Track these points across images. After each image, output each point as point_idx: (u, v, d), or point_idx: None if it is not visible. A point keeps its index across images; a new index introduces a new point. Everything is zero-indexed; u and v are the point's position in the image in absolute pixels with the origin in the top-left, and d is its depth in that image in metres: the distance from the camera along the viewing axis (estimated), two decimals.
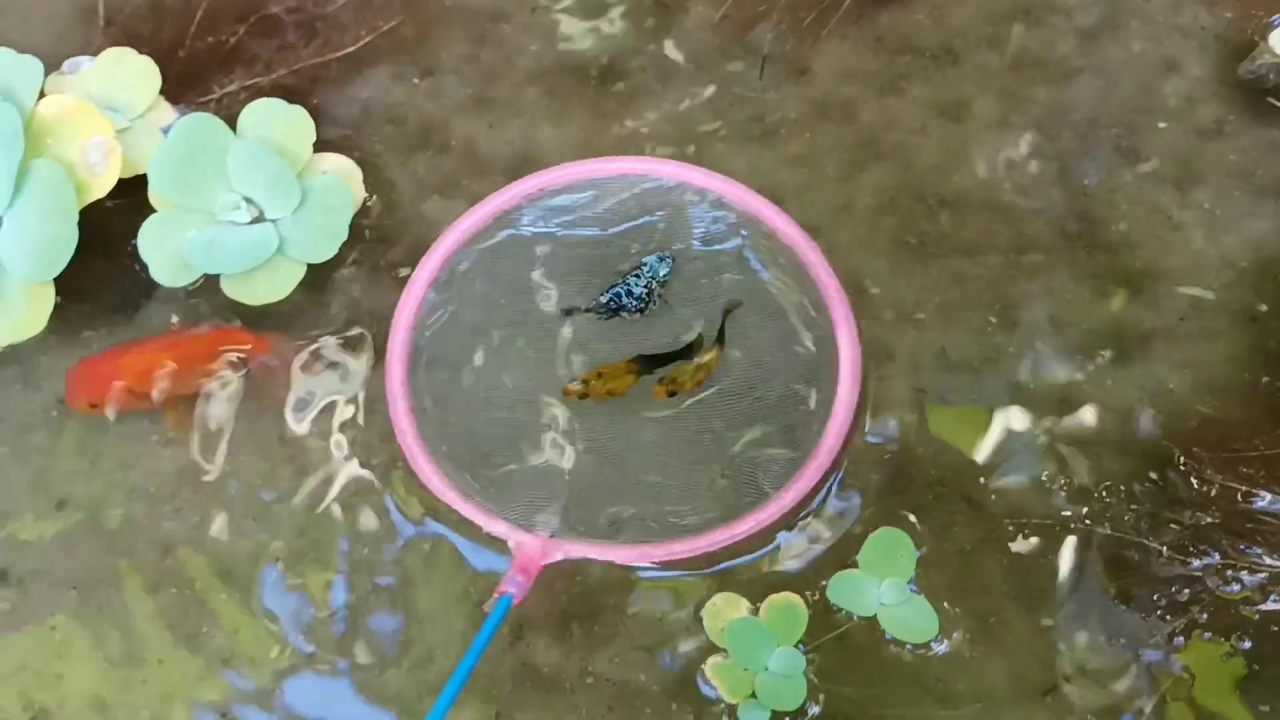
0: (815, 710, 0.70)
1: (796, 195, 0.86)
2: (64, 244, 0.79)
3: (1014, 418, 0.79)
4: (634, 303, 0.79)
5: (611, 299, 0.79)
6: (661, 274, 0.80)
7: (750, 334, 0.79)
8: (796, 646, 0.70)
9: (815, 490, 0.73)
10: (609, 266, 0.82)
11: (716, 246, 0.82)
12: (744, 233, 0.81)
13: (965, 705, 0.71)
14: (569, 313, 0.80)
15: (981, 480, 0.77)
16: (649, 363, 0.78)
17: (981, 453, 0.78)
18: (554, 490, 0.74)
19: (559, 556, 0.70)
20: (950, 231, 0.85)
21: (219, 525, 0.78)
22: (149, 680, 0.74)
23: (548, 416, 0.78)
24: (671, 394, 0.76)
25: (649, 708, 0.71)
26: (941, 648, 0.72)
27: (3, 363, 0.82)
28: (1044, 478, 0.77)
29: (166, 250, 0.81)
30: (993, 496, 0.76)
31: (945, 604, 0.73)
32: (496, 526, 0.71)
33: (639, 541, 0.72)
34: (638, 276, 0.80)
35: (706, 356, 0.78)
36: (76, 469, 0.80)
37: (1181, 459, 0.76)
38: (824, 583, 0.73)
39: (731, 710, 0.70)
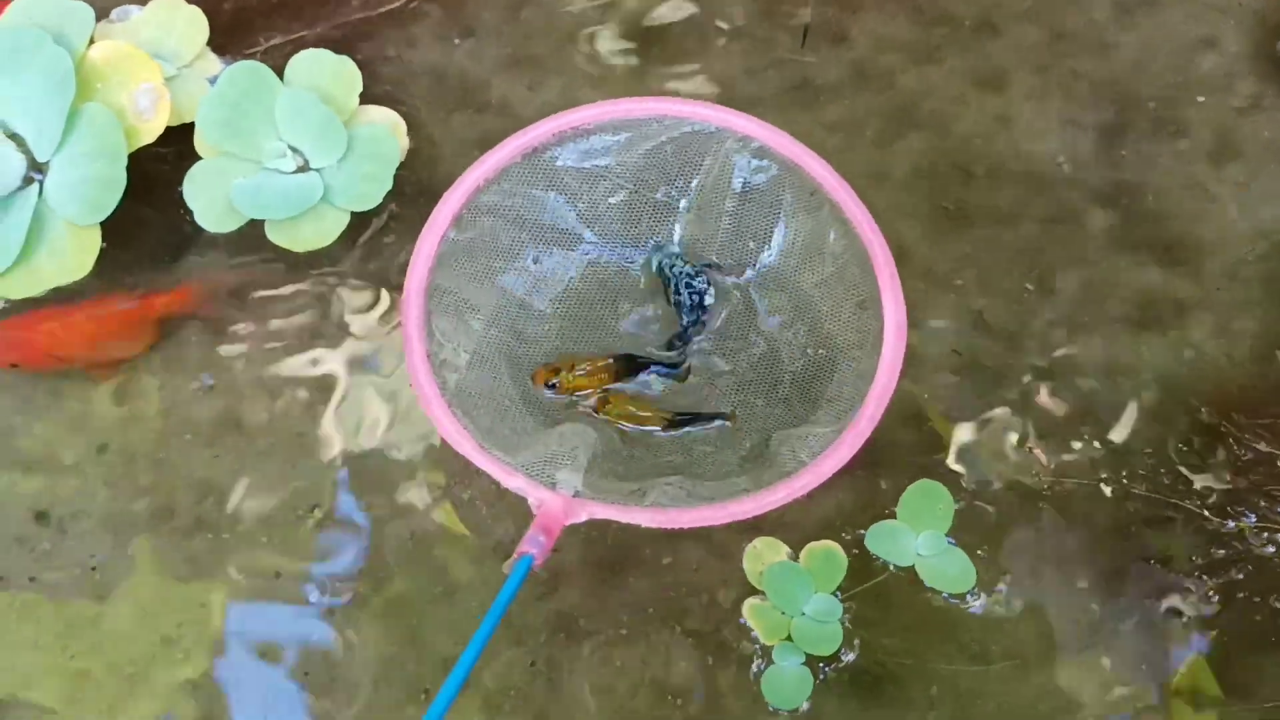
0: (850, 657, 0.70)
1: (834, 159, 0.85)
2: (112, 188, 0.79)
3: (1051, 381, 0.79)
4: (695, 297, 0.79)
5: (689, 325, 0.79)
6: (677, 258, 0.80)
7: (789, 296, 0.78)
8: (834, 593, 0.71)
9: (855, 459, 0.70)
10: (640, 213, 0.80)
11: (753, 198, 0.78)
12: (786, 186, 0.77)
13: (997, 662, 0.71)
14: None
15: (1018, 439, 0.77)
16: (629, 364, 0.77)
17: (1020, 414, 0.78)
18: (578, 447, 0.71)
19: (583, 517, 0.66)
20: (987, 199, 0.86)
21: (258, 472, 0.79)
22: (184, 624, 0.75)
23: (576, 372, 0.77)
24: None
25: (685, 653, 0.72)
26: (977, 601, 0.72)
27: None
28: (1081, 441, 0.77)
29: (212, 196, 0.82)
30: (1033, 457, 0.76)
31: (981, 559, 0.73)
32: (515, 482, 0.67)
33: (666, 505, 0.68)
34: (678, 289, 0.79)
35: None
36: (115, 414, 0.81)
37: (1220, 423, 0.77)
38: (862, 532, 0.73)
39: (766, 652, 0.71)
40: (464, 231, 0.75)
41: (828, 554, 0.71)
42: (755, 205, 0.78)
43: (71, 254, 0.80)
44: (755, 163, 0.77)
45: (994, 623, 0.72)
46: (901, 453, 0.77)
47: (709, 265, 0.80)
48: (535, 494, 0.66)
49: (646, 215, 0.80)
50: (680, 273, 0.79)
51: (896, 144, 0.88)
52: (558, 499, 0.66)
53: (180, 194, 0.83)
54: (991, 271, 0.83)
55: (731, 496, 0.67)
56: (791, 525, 0.74)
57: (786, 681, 0.69)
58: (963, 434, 0.78)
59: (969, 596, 0.72)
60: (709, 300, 0.79)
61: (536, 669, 0.72)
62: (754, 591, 0.72)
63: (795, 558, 0.72)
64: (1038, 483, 0.76)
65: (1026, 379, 0.80)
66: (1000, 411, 0.79)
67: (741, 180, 0.78)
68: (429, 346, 0.70)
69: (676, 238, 0.81)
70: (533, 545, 0.63)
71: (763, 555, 0.72)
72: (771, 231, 0.78)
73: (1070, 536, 0.74)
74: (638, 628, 0.73)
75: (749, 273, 0.80)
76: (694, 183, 0.79)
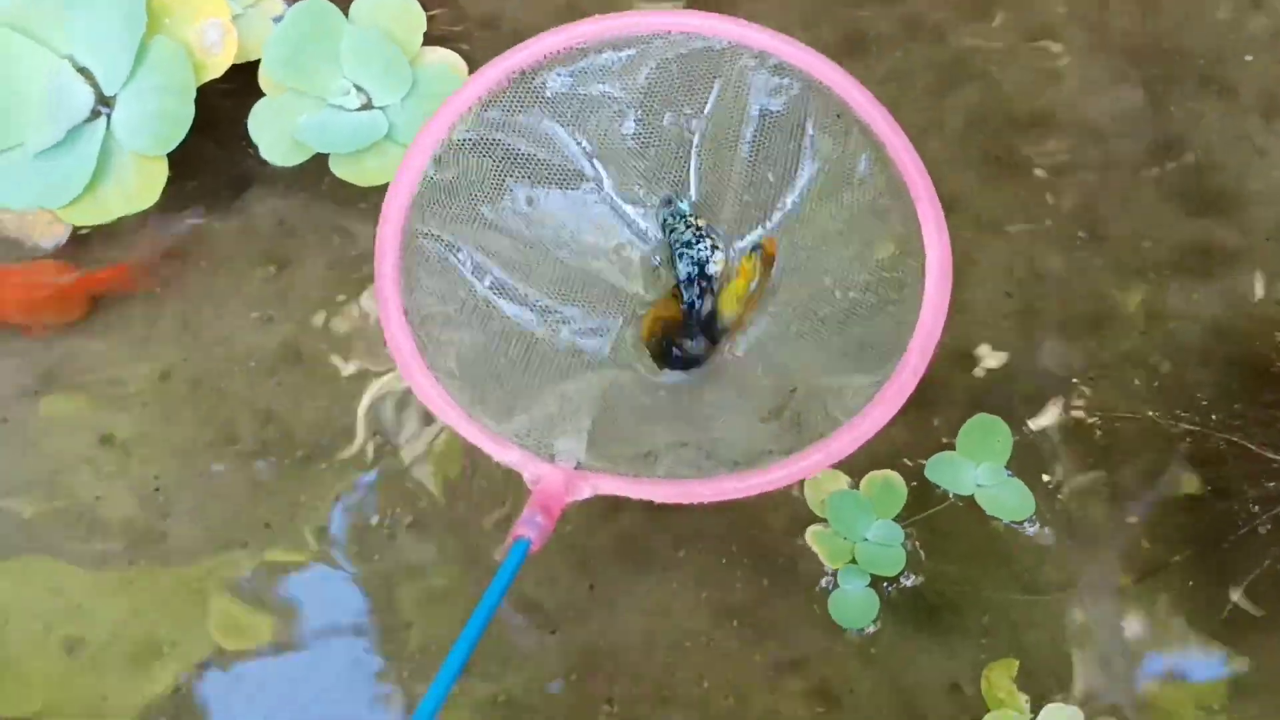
0: (910, 580, 0.71)
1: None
2: (179, 121, 0.81)
3: (1103, 324, 0.80)
4: (695, 268, 0.73)
5: (690, 277, 0.72)
6: (680, 219, 0.74)
7: (814, 231, 0.71)
8: (894, 520, 0.72)
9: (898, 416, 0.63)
10: (648, 144, 0.73)
11: (773, 124, 0.70)
12: (809, 108, 0.70)
13: (1049, 593, 0.72)
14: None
15: (1074, 382, 0.78)
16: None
17: (1075, 351, 0.79)
18: (580, 408, 0.63)
19: (587, 493, 0.58)
20: (1038, 150, 0.87)
21: (317, 401, 0.80)
22: (250, 543, 0.76)
23: (573, 323, 0.71)
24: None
25: (743, 576, 0.73)
26: (1032, 529, 0.73)
27: (106, 239, 0.84)
28: (1134, 380, 0.78)
29: (277, 132, 0.83)
30: (1086, 395, 0.77)
31: (1037, 491, 0.74)
32: (509, 455, 0.58)
33: (684, 477, 0.60)
34: (676, 258, 0.73)
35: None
36: (178, 342, 0.82)
37: (1269, 366, 0.78)
38: (922, 461, 0.74)
39: (817, 578, 0.72)
40: (445, 170, 0.67)
41: (887, 482, 0.72)
42: (775, 133, 0.71)
43: (138, 185, 0.82)
44: (775, 81, 0.70)
45: (1047, 553, 0.73)
46: (954, 391, 0.77)
47: (711, 230, 0.73)
48: (533, 469, 0.58)
49: (655, 146, 0.73)
50: (678, 240, 0.73)
51: (948, 95, 0.89)
52: (558, 473, 0.57)
53: (244, 129, 0.84)
54: (1042, 220, 0.84)
55: (756, 463, 0.60)
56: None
57: (853, 603, 0.70)
58: (1017, 372, 0.79)
59: (1026, 524, 0.73)
60: (713, 269, 0.72)
61: (596, 592, 0.73)
62: (815, 519, 0.73)
63: (855, 485, 0.73)
64: (1092, 419, 0.77)
65: (1079, 323, 0.80)
66: (1053, 350, 0.79)
67: (759, 105, 0.71)
68: (406, 301, 0.62)
69: (693, 169, 0.74)
70: (529, 527, 0.55)
71: (823, 484, 0.72)
72: (795, 163, 0.71)
73: (1123, 472, 0.75)
74: (696, 551, 0.74)
75: (763, 228, 0.73)
76: (706, 108, 0.72)
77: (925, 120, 0.88)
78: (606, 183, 0.74)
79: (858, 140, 0.69)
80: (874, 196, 0.69)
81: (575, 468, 0.58)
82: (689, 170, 0.74)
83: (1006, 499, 0.72)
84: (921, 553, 0.72)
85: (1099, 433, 0.76)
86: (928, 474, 0.73)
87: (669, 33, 0.69)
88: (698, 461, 0.61)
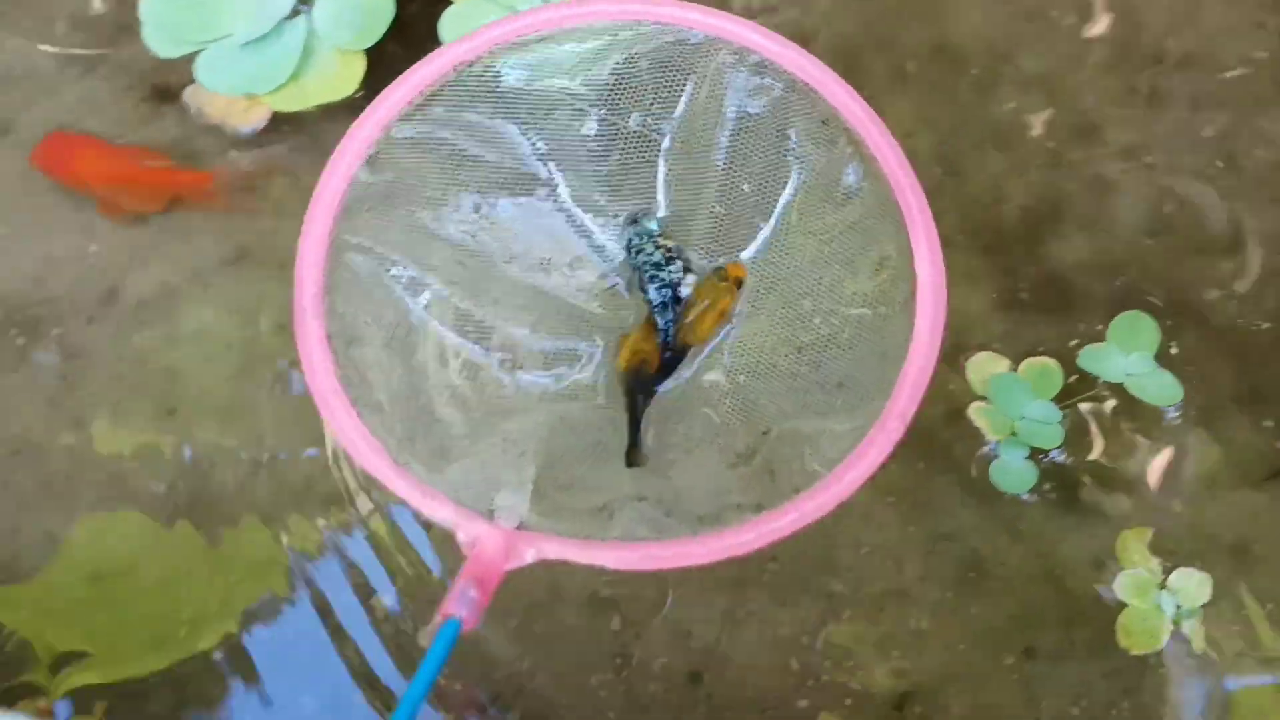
0: (1061, 458, 0.75)
1: (1030, 45, 0.88)
2: (380, 16, 0.84)
3: (1239, 244, 0.81)
4: (666, 291, 0.66)
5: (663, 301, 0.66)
6: (648, 239, 0.67)
7: (796, 257, 0.64)
8: (1051, 401, 0.76)
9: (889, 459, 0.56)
10: (612, 146, 0.66)
11: (751, 129, 0.64)
12: (792, 112, 0.63)
13: (1188, 483, 0.75)
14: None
15: (1219, 292, 0.80)
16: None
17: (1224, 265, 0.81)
18: (525, 453, 0.56)
19: (529, 558, 0.50)
20: (1180, 84, 0.87)
21: None
22: None
23: (521, 347, 0.64)
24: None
25: (902, 460, 0.73)
26: (1174, 414, 0.76)
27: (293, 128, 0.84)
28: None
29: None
30: (1230, 305, 0.79)
31: (1183, 383, 0.76)
32: (440, 512, 0.51)
33: (641, 538, 0.53)
34: (645, 283, 0.66)
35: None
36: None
37: None
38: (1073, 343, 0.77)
39: (971, 457, 0.75)
40: (380, 172, 0.59)
41: (1045, 368, 0.77)
42: (754, 139, 0.65)
43: (338, 76, 0.84)
44: (755, 81, 0.63)
45: (1182, 451, 0.76)
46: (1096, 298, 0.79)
47: (681, 251, 0.66)
48: (468, 529, 0.50)
49: (619, 151, 0.66)
50: (647, 263, 0.66)
51: (1089, 30, 0.89)
52: (497, 535, 0.50)
53: (436, 33, 0.84)
54: (1184, 151, 0.84)
55: (722, 519, 0.53)
56: (1009, 338, 0.78)
57: (1013, 471, 0.75)
58: (1169, 279, 0.80)
59: (1169, 410, 0.76)
60: (685, 291, 0.66)
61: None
62: (973, 399, 0.76)
63: (1014, 369, 0.77)
64: (1239, 324, 0.79)
65: (1219, 238, 0.81)
66: (1199, 267, 0.81)
67: (737, 107, 0.64)
68: (331, 323, 0.55)
69: (660, 177, 0.67)
70: (461, 604, 0.47)
71: (984, 366, 0.77)
72: (774, 173, 0.65)
73: (1262, 372, 0.78)
74: None
75: (738, 249, 0.67)
76: (677, 109, 0.65)
77: (1067, 54, 0.87)
78: (563, 189, 0.67)
79: (845, 151, 0.62)
80: (861, 214, 0.62)
81: (517, 527, 0.51)
82: (656, 178, 0.67)
83: (1155, 388, 0.76)
84: (1072, 436, 0.75)
85: (1246, 334, 0.78)
86: (1080, 363, 0.76)
87: (639, 22, 0.62)
88: (657, 519, 0.54)
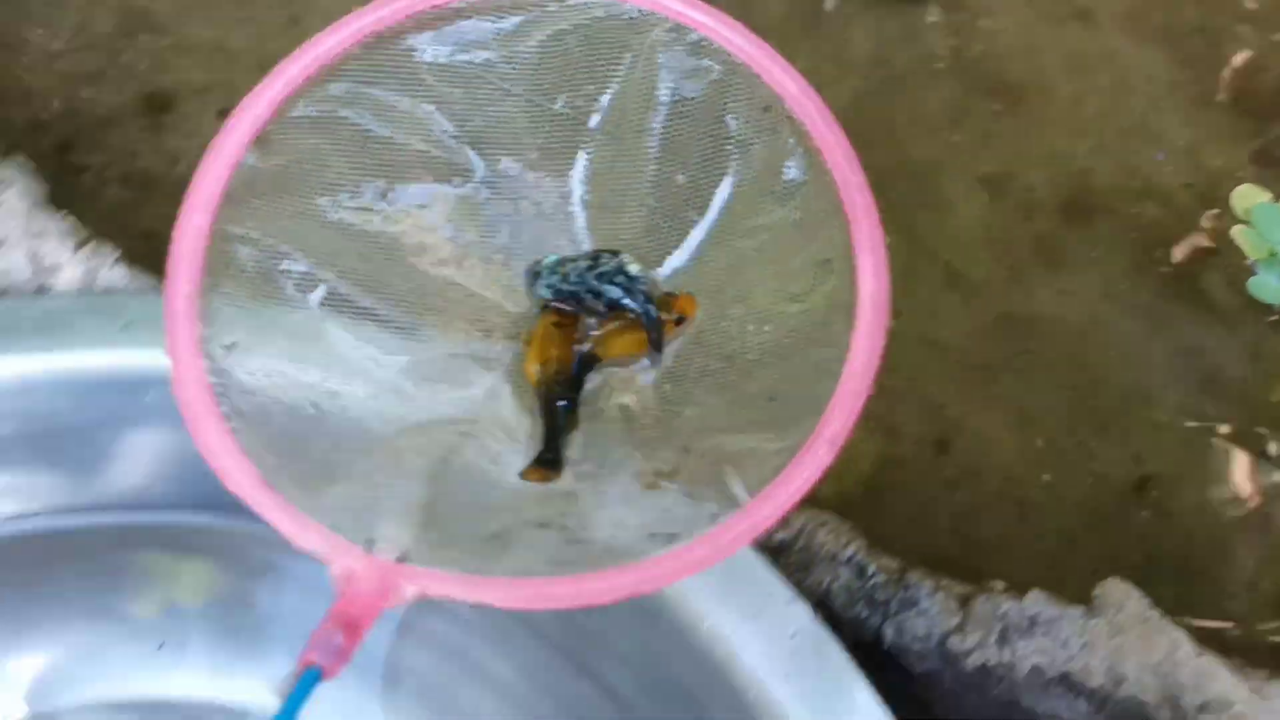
0: None
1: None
2: None
3: None
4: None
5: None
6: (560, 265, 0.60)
7: (725, 249, 0.59)
8: None
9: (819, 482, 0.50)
10: (535, 129, 0.60)
11: (686, 113, 0.59)
12: (730, 97, 0.58)
13: None
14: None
15: None
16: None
17: None
18: (414, 476, 0.51)
19: (409, 596, 0.44)
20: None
21: None
22: None
23: (427, 347, 0.58)
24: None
25: (1150, 283, 0.85)
26: None
27: None
28: None
29: None
30: None
31: None
32: (310, 540, 0.45)
33: (537, 572, 0.46)
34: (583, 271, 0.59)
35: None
36: None
37: None
38: None
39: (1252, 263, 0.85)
40: (272, 156, 0.53)
41: None
42: (689, 126, 0.59)
43: None
44: (692, 62, 0.58)
45: None
46: None
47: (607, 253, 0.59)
48: (341, 562, 0.44)
49: (543, 134, 0.61)
50: (580, 280, 0.58)
51: None
52: (372, 570, 0.44)
53: None
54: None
55: (631, 552, 0.47)
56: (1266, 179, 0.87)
57: (1270, 286, 0.84)
58: None
59: None
60: (634, 269, 0.58)
61: (1012, 272, 0.84)
62: (1238, 221, 0.85)
63: (1275, 200, 0.84)
64: None
65: None
66: None
67: (671, 89, 0.59)
68: (206, 325, 0.49)
69: (581, 163, 0.62)
70: (322, 652, 0.41)
71: (1248, 196, 0.85)
72: (710, 164, 0.60)
73: None
74: (1106, 253, 0.86)
75: (676, 258, 0.61)
76: (606, 92, 0.60)
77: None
78: (479, 174, 0.61)
79: (788, 142, 0.57)
80: (803, 213, 0.57)
81: (398, 559, 0.45)
82: (578, 165, 0.62)
83: None
84: None
85: None
86: None
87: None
88: (558, 551, 0.49)
